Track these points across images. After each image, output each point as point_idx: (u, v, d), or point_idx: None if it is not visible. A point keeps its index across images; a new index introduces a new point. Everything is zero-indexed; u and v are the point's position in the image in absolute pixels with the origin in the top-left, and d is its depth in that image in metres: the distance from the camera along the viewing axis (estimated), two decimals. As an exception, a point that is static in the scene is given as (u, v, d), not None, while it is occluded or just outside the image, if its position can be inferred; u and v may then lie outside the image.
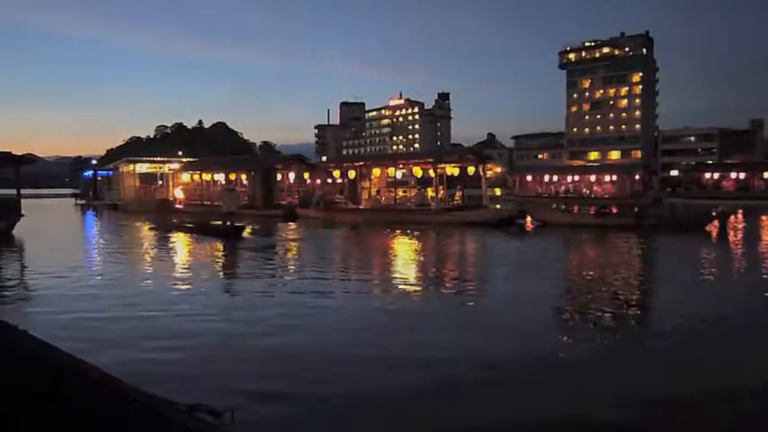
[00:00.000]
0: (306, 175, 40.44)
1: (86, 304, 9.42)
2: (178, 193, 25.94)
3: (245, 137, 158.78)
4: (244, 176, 38.96)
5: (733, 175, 55.21)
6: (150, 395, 1.12)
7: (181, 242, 20.61)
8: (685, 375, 5.99)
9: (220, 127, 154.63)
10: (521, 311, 9.03)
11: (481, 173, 30.69)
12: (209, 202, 38.38)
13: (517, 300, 10.02)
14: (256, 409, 4.83)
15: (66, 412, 0.99)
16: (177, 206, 25.68)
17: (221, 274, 13.94)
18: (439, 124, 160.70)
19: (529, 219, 27.45)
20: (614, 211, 29.48)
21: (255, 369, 6.16)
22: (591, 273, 13.11)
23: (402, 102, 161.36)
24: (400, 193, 32.10)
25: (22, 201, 24.65)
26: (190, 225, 23.71)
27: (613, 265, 14.15)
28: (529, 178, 53.93)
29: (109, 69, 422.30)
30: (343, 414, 5.02)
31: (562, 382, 5.82)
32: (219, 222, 22.19)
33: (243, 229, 21.83)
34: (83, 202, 52.34)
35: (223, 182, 39.35)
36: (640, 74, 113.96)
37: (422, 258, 16.70)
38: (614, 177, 49.31)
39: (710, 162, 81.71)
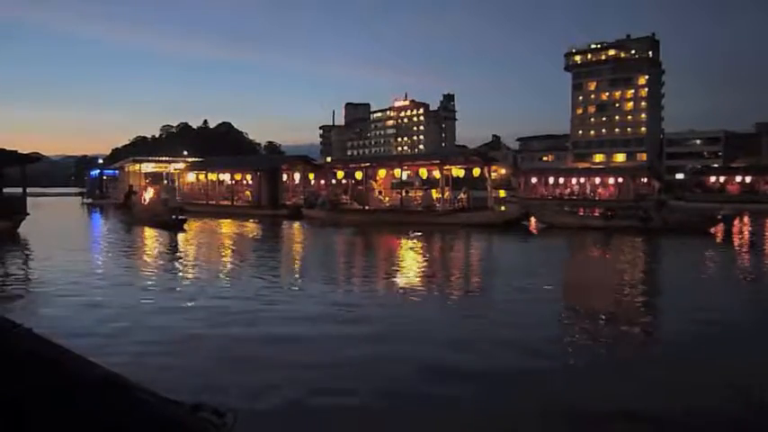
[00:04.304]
0: (311, 176, 40.53)
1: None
2: (147, 194, 29.79)
3: (251, 137, 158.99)
4: (249, 176, 39.09)
5: (738, 178, 54.95)
6: (153, 394, 1.12)
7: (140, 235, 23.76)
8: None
9: (225, 127, 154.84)
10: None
11: (486, 174, 30.64)
12: (213, 202, 38.73)
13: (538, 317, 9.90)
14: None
15: (69, 411, 0.99)
16: (144, 203, 29.71)
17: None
18: (444, 125, 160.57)
19: (534, 221, 27.41)
20: (619, 213, 29.37)
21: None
22: (603, 278, 13.07)
23: (407, 103, 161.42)
24: (404, 194, 32.06)
25: (28, 199, 24.75)
26: (146, 219, 27.23)
27: (626, 270, 14.11)
28: (534, 180, 53.84)
29: (110, 69, 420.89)
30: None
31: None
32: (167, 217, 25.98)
33: (185, 221, 25.61)
34: (89, 200, 52.68)
35: (228, 182, 39.72)
36: (646, 76, 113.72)
37: (419, 264, 16.67)
38: (619, 180, 49.20)
39: (716, 165, 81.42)
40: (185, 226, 25.30)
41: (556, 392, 5.54)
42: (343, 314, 8.93)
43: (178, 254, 17.82)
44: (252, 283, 11.63)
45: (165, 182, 39.81)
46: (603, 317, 8.93)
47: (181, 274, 13.46)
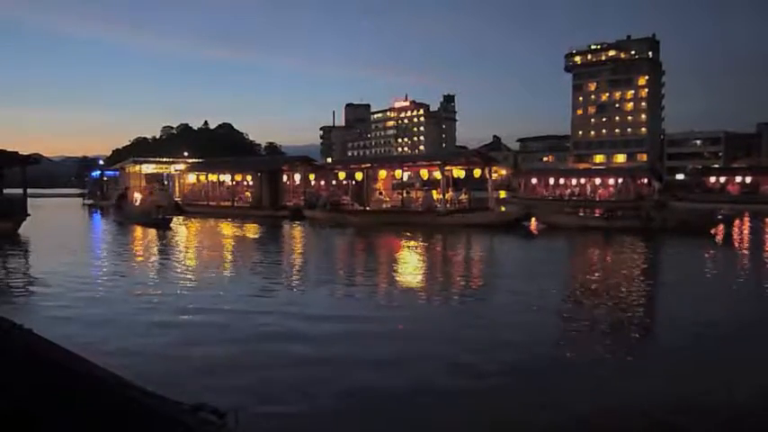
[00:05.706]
0: (311, 177, 40.48)
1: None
2: (137, 195, 30.91)
3: (251, 138, 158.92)
4: (249, 177, 39.08)
5: (738, 178, 54.84)
6: (155, 395, 1.12)
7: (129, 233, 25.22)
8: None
9: (226, 128, 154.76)
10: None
11: (487, 175, 30.64)
12: (214, 203, 38.72)
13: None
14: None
15: (71, 412, 0.99)
16: (135, 203, 31.02)
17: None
18: (444, 126, 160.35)
19: (534, 221, 27.40)
20: (620, 214, 29.35)
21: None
22: (604, 280, 13.05)
23: (407, 104, 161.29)
24: (405, 195, 32.05)
25: (29, 200, 24.75)
26: (137, 218, 28.50)
27: (626, 272, 14.10)
28: (534, 181, 53.76)
29: (110, 69, 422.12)
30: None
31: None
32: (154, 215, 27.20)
33: (171, 220, 27.37)
34: (90, 201, 52.69)
35: (229, 183, 39.73)
36: (646, 77, 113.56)
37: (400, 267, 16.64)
38: (620, 180, 49.10)
39: (716, 166, 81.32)
40: (171, 225, 26.75)
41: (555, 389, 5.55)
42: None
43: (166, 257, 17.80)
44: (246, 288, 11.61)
45: (165, 182, 40.08)
46: (604, 322, 8.93)
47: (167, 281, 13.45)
